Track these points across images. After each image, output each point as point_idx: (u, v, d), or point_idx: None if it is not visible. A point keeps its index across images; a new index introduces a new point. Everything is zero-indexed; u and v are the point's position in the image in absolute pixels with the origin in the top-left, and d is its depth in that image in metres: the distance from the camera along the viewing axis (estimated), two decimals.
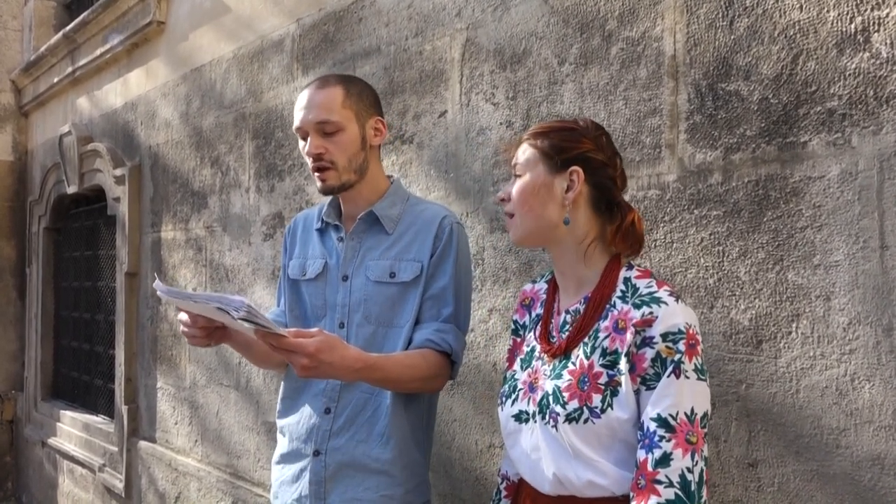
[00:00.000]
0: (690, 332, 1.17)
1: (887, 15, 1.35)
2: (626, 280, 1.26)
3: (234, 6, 3.26)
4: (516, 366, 1.39)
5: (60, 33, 4.87)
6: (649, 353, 1.17)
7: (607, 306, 1.26)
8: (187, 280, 3.61)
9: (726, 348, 1.57)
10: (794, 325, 1.47)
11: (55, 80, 5.11)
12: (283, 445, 1.70)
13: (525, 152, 1.32)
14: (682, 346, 1.16)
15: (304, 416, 1.65)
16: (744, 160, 1.55)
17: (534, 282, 1.47)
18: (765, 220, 1.52)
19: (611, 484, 1.21)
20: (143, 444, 3.93)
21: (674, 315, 1.18)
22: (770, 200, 1.51)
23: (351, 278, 1.64)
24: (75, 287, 5.18)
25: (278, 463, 1.71)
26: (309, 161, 1.60)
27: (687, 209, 1.65)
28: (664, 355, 1.16)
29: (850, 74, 1.40)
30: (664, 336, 1.17)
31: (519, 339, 1.43)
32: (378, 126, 1.64)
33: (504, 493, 1.50)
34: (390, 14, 2.44)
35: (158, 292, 1.47)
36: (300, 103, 1.61)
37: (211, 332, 1.52)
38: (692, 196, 1.64)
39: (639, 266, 1.32)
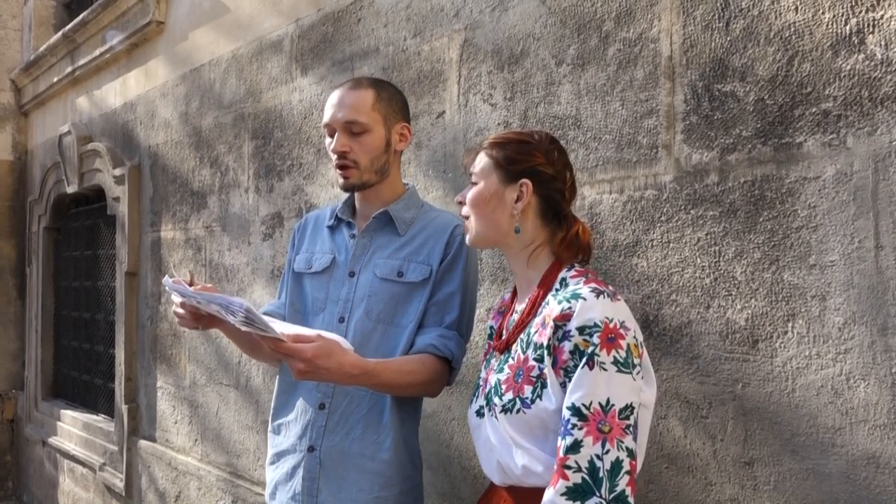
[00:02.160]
0: (609, 325, 1.22)
1: (882, 17, 1.36)
2: (563, 280, 1.35)
3: (232, 6, 3.26)
4: (482, 366, 1.50)
5: (60, 33, 4.88)
6: (567, 346, 1.24)
7: (543, 304, 1.34)
8: (195, 278, 3.61)
9: (722, 348, 1.58)
10: (789, 324, 1.48)
11: (55, 79, 5.12)
12: (277, 443, 1.70)
13: (481, 161, 1.41)
14: (596, 339, 1.21)
15: (299, 412, 1.65)
16: (740, 161, 1.56)
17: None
18: (761, 220, 1.53)
19: (544, 471, 1.27)
20: (143, 443, 3.94)
21: (590, 309, 1.23)
22: (766, 201, 1.52)
23: (358, 274, 1.65)
24: (75, 287, 5.19)
25: (272, 463, 1.71)
26: (333, 157, 1.64)
27: (683, 209, 1.66)
28: (581, 348, 1.22)
29: (845, 76, 1.41)
30: (580, 329, 1.23)
31: (490, 344, 1.52)
32: (404, 132, 1.68)
33: None
34: (388, 15, 2.44)
35: (167, 287, 1.54)
36: (331, 101, 1.65)
37: (199, 316, 1.56)
38: (689, 196, 1.65)
39: (579, 267, 1.38)
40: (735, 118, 1.57)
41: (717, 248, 1.60)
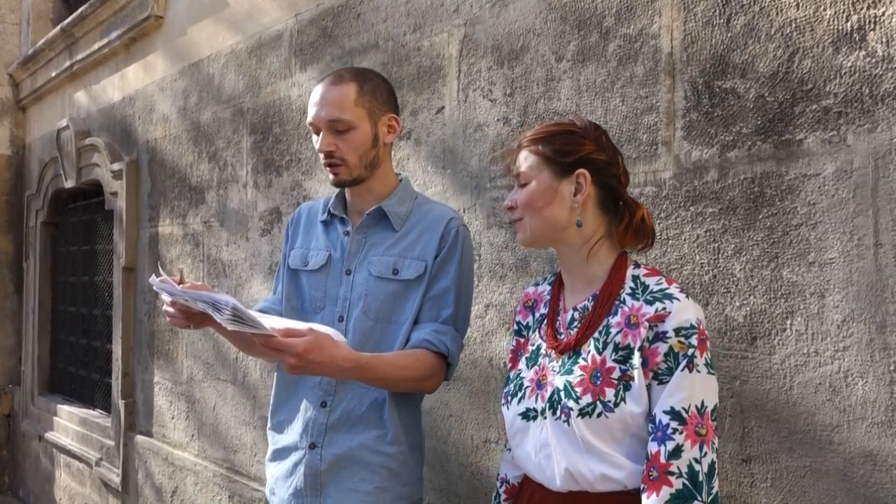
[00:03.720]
0: (701, 327, 1.22)
1: (883, 13, 1.36)
2: (635, 278, 1.30)
3: (231, 1, 3.25)
4: (521, 365, 1.40)
5: (58, 27, 4.86)
6: (662, 348, 1.21)
7: (616, 302, 1.28)
8: (185, 275, 3.61)
9: (721, 345, 1.58)
10: (788, 322, 1.48)
11: (53, 74, 5.11)
12: (277, 441, 1.70)
13: (527, 159, 1.34)
14: (694, 340, 1.20)
15: (301, 410, 1.65)
16: (740, 158, 1.56)
17: (536, 284, 1.49)
18: (760, 217, 1.52)
19: (625, 477, 1.23)
20: (139, 438, 3.94)
21: (685, 310, 1.22)
22: (765, 198, 1.52)
23: (354, 273, 1.64)
24: (72, 282, 5.18)
25: (272, 460, 1.71)
26: (321, 156, 1.62)
27: (683, 206, 1.65)
28: (677, 350, 1.20)
29: (845, 73, 1.41)
30: (677, 331, 1.20)
31: (523, 340, 1.44)
32: (391, 123, 1.64)
33: (504, 496, 1.50)
34: (388, 10, 2.44)
35: (154, 287, 1.51)
36: (314, 98, 1.61)
37: (190, 315, 1.54)
38: (688, 193, 1.65)
39: (645, 265, 1.35)
40: (735, 115, 1.57)
41: (716, 244, 1.59)
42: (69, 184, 4.82)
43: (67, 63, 4.85)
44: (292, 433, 1.65)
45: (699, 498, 1.17)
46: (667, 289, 1.25)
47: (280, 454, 1.68)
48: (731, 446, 1.56)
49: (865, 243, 1.38)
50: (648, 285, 1.27)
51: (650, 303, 1.24)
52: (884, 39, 1.36)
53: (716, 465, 1.20)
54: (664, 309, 1.22)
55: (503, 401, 1.40)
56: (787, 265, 1.48)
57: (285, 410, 1.69)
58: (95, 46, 4.43)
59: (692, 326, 1.21)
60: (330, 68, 2.67)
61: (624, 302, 1.28)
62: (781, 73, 1.50)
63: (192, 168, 3.54)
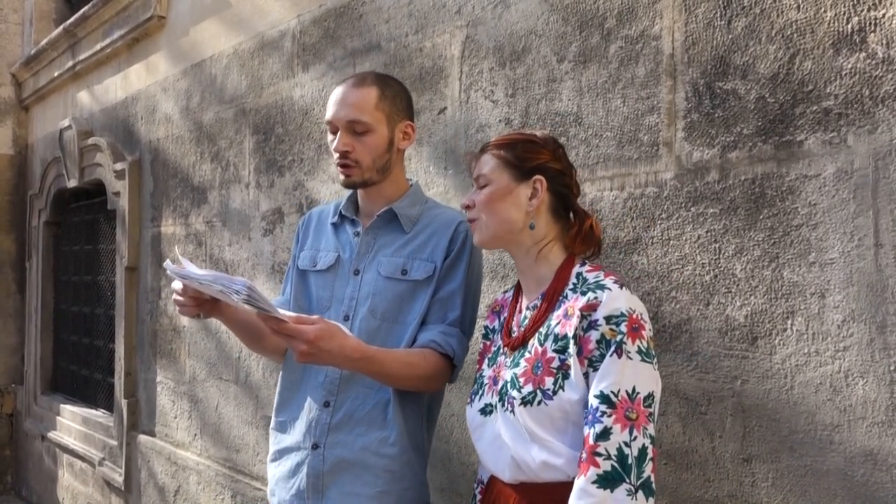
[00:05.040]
0: (633, 316, 1.26)
1: (883, 15, 1.36)
2: (578, 275, 1.37)
3: (234, 1, 3.26)
4: (484, 365, 1.49)
5: (61, 27, 4.88)
6: (594, 336, 1.26)
7: (560, 298, 1.35)
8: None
9: (722, 345, 1.59)
10: (789, 322, 1.49)
11: (55, 74, 5.12)
12: (280, 441, 1.70)
13: (489, 162, 1.43)
14: (623, 328, 1.25)
15: (304, 410, 1.65)
16: (740, 158, 1.57)
17: (505, 291, 1.57)
18: (761, 217, 1.53)
19: (565, 464, 1.27)
20: (142, 437, 3.95)
21: (616, 299, 1.27)
22: (766, 198, 1.52)
23: (362, 273, 1.65)
24: (75, 281, 5.20)
25: (274, 460, 1.70)
26: (335, 156, 1.63)
27: (684, 207, 1.66)
28: (608, 337, 1.25)
29: (846, 74, 1.41)
30: (607, 319, 1.26)
31: (488, 343, 1.53)
32: (407, 130, 1.67)
33: (479, 497, 1.53)
34: (390, 11, 2.44)
35: (168, 271, 1.52)
36: (334, 97, 1.63)
37: (201, 302, 1.55)
38: (689, 194, 1.65)
39: (592, 262, 1.43)
40: (736, 116, 1.57)
41: (717, 245, 1.60)
42: (72, 183, 4.83)
43: (70, 63, 4.86)
44: (295, 433, 1.65)
45: (627, 480, 1.19)
46: (601, 280, 1.31)
47: (282, 454, 1.68)
48: (733, 446, 1.57)
49: (866, 244, 1.38)
50: (587, 279, 1.34)
51: (584, 293, 1.30)
52: (884, 41, 1.36)
53: (648, 451, 1.22)
54: (595, 298, 1.28)
55: (468, 400, 1.48)
56: (788, 265, 1.49)
57: (289, 410, 1.69)
58: (98, 46, 4.44)
59: (622, 314, 1.25)
60: (332, 69, 2.68)
61: (566, 297, 1.34)
62: (782, 74, 1.50)
63: (195, 168, 3.55)
